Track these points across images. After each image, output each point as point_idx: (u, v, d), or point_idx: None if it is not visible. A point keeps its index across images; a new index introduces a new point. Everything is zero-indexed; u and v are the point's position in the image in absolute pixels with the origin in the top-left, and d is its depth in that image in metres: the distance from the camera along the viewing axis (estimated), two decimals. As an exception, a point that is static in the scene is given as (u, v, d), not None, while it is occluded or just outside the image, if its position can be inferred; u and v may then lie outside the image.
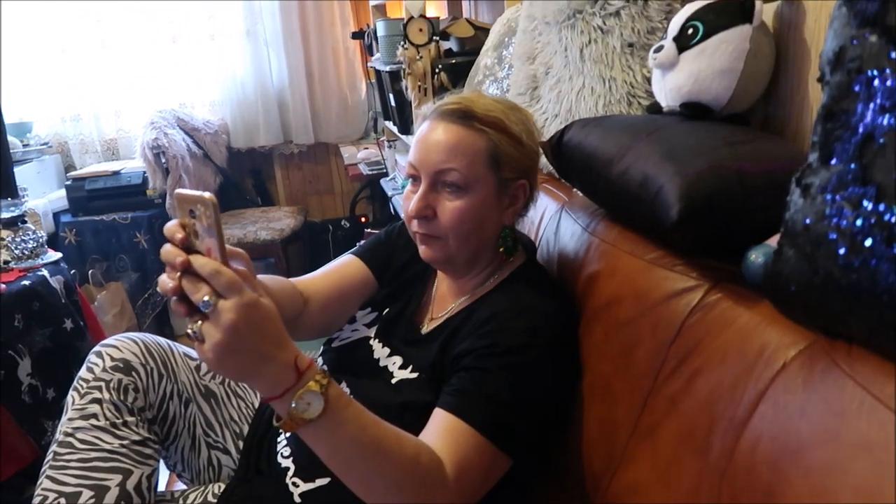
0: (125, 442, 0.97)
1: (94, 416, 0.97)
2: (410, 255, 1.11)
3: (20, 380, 1.84)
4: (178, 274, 0.64)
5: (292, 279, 1.10)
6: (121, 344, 1.04)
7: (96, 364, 1.01)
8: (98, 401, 0.98)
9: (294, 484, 0.95)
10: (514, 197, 0.99)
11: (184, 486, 1.14)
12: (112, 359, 1.02)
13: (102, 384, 0.99)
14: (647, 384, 0.79)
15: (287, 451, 1.01)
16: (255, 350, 0.65)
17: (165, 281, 0.65)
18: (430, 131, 0.96)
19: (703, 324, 0.73)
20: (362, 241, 1.21)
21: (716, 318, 0.72)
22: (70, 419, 0.97)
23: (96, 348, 1.05)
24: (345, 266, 1.15)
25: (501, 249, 1.01)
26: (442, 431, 0.82)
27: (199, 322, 0.64)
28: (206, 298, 0.63)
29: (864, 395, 0.51)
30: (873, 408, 0.49)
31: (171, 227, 0.66)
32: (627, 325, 0.85)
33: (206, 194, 0.64)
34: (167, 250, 0.65)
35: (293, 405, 0.68)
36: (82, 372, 1.02)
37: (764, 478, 0.58)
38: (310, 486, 0.94)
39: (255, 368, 0.66)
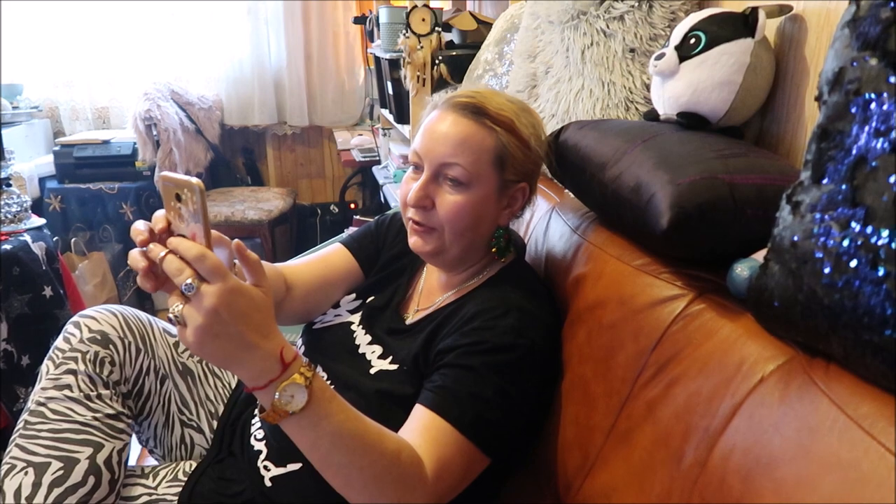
0: (98, 415, 0.96)
1: (68, 386, 0.95)
2: (400, 247, 1.10)
3: (-5, 344, 1.82)
4: (163, 254, 0.64)
5: (278, 264, 1.09)
6: (99, 316, 1.03)
7: (73, 335, 1.00)
8: (73, 372, 0.96)
9: (265, 467, 0.95)
10: (513, 199, 0.99)
11: (155, 462, 1.14)
12: (90, 330, 1.00)
13: (78, 355, 0.97)
14: (626, 389, 0.80)
15: (260, 434, 1.00)
16: (237, 337, 0.65)
17: (136, 258, 0.66)
18: (439, 121, 0.94)
19: (685, 333, 0.73)
20: (351, 228, 1.21)
21: (698, 328, 0.72)
22: (43, 388, 0.96)
23: (74, 318, 1.03)
24: (331, 255, 1.15)
25: (494, 250, 1.01)
26: (422, 429, 0.82)
27: (181, 305, 0.64)
28: (189, 281, 0.62)
29: (838, 413, 0.51)
30: (846, 427, 0.50)
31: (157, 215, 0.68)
32: (610, 329, 0.86)
33: (194, 179, 0.63)
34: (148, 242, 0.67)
35: (276, 396, 0.68)
36: (58, 342, 1.00)
37: (735, 489, 0.58)
38: (281, 470, 0.93)
39: (238, 355, 0.66)
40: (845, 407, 0.51)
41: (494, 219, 0.99)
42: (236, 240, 0.69)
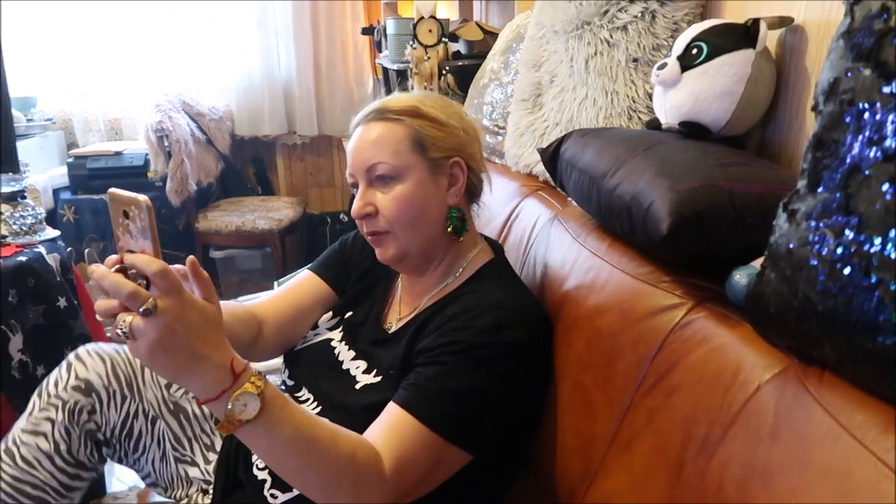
0: (58, 475, 1.05)
1: (44, 435, 1.05)
2: (369, 261, 1.11)
3: (11, 355, 1.84)
4: (114, 269, 0.66)
5: (248, 303, 1.12)
6: (89, 361, 1.10)
7: (62, 378, 1.07)
8: (51, 420, 1.05)
9: (272, 496, 0.95)
10: (453, 176, 1.00)
11: (158, 498, 1.17)
12: (76, 377, 1.08)
13: (60, 403, 1.05)
14: (627, 398, 0.80)
15: (262, 463, 1.00)
16: (189, 350, 0.66)
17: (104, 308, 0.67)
18: (357, 137, 1.00)
19: (684, 342, 0.74)
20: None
21: (697, 336, 0.73)
22: (23, 430, 1.05)
23: (70, 357, 1.11)
24: (301, 284, 1.16)
25: (450, 230, 1.00)
26: (388, 426, 0.84)
27: (129, 318, 0.64)
28: (146, 307, 0.63)
29: (831, 422, 0.51)
30: (838, 436, 0.50)
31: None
32: (610, 338, 0.86)
33: (141, 197, 0.64)
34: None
35: (229, 406, 0.69)
36: (50, 380, 1.08)
37: (732, 498, 0.59)
38: (288, 496, 0.93)
39: (189, 368, 0.67)
40: (839, 416, 0.51)
41: (441, 201, 0.99)
42: (191, 256, 0.71)
